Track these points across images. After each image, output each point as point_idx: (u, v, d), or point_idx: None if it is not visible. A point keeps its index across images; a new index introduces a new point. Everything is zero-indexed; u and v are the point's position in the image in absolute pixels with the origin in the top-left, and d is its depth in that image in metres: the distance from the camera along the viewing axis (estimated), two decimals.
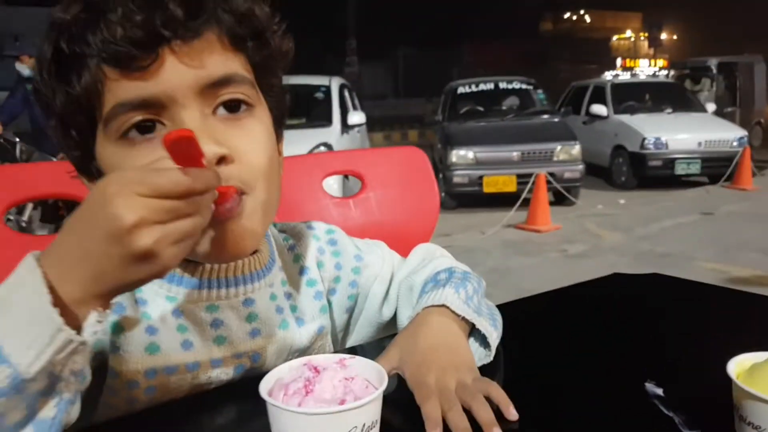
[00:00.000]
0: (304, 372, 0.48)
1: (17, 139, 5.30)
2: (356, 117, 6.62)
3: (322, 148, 5.24)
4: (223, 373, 0.63)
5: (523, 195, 5.91)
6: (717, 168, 7.55)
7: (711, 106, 8.89)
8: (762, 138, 11.96)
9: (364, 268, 0.77)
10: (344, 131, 6.32)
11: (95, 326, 0.43)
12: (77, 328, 0.42)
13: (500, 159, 6.68)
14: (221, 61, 0.55)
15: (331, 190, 1.23)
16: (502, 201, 6.27)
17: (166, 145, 0.43)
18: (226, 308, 0.63)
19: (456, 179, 6.64)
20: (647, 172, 7.71)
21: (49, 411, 0.42)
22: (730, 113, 10.57)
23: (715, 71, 11.94)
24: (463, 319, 0.64)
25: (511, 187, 6.47)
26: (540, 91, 8.04)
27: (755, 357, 0.48)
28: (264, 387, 0.47)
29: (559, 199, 6.64)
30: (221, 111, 0.56)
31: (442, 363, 0.57)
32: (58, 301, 0.41)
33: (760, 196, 7.00)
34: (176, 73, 0.52)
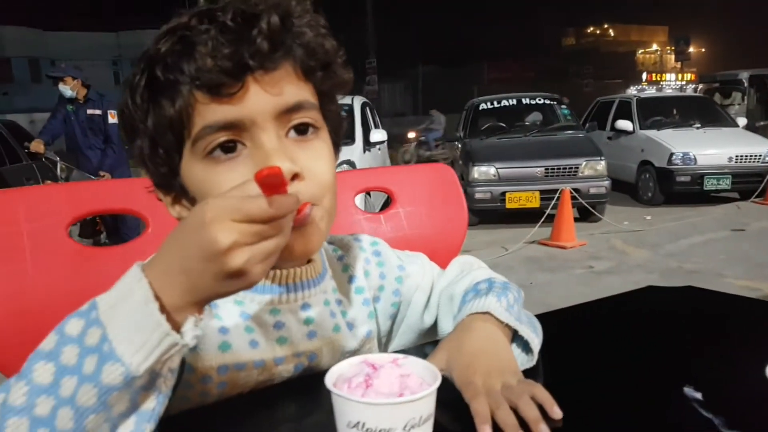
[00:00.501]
0: (364, 368, 0.53)
1: (58, 159, 5.51)
2: (378, 135, 6.72)
3: (345, 166, 5.34)
4: (285, 371, 0.68)
5: (548, 211, 5.88)
6: (748, 184, 7.41)
7: (742, 121, 8.73)
8: None
9: (406, 278, 0.82)
10: (366, 149, 6.42)
11: (194, 330, 0.48)
12: (177, 330, 0.48)
13: (523, 175, 6.65)
14: (295, 89, 0.61)
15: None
16: (525, 217, 6.25)
17: (258, 180, 0.48)
18: (287, 312, 0.68)
19: (478, 195, 6.63)
20: (675, 188, 7.61)
21: (150, 403, 0.48)
22: (762, 127, 10.38)
23: (746, 84, 11.75)
24: (506, 325, 0.68)
25: (534, 203, 6.44)
26: (564, 106, 8.01)
27: None
28: (329, 380, 0.51)
29: (584, 216, 6.59)
30: (292, 133, 0.62)
31: (488, 366, 0.61)
32: (162, 309, 0.46)
33: None
34: (258, 100, 0.59)
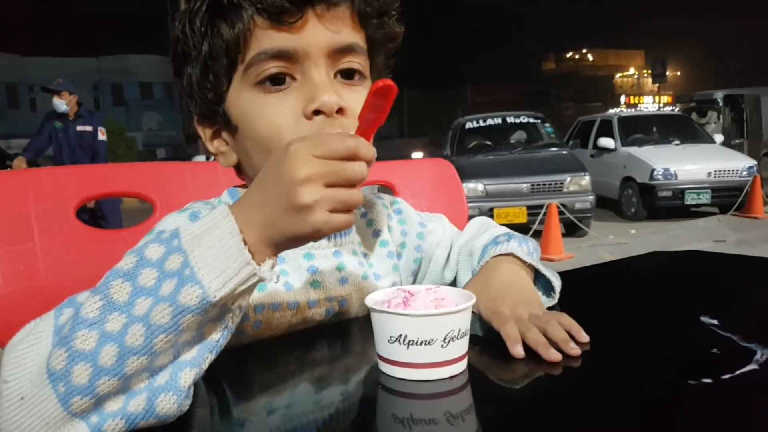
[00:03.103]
0: (400, 293, 0.55)
1: None
2: None
3: None
4: (317, 314, 0.70)
5: (534, 226, 5.94)
6: (727, 197, 7.57)
7: (719, 138, 8.95)
8: None
9: (428, 235, 0.84)
10: None
11: (270, 272, 0.48)
12: None
13: (510, 191, 6.74)
14: (350, 31, 0.64)
15: None
16: None
17: (373, 89, 0.50)
18: (320, 257, 0.71)
19: (468, 212, 6.67)
20: (657, 203, 7.75)
21: (216, 335, 0.48)
22: (738, 145, 10.64)
23: (721, 104, 12.07)
24: (529, 266, 0.70)
25: (521, 218, 6.51)
26: (548, 124, 8.16)
27: None
28: (369, 301, 0.53)
29: (570, 231, 6.67)
30: (339, 77, 0.65)
31: (515, 299, 0.63)
32: (244, 243, 0.47)
33: None
34: (316, 33, 0.61)
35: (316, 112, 0.61)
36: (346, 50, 0.64)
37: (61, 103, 4.97)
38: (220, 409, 0.53)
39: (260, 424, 0.49)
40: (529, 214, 6.43)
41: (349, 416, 0.49)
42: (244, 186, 0.74)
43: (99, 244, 1.00)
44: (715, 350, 0.55)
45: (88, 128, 5.09)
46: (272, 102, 0.62)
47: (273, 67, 0.62)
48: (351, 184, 0.48)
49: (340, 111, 0.62)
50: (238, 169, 0.72)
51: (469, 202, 6.66)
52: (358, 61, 0.66)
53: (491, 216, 6.58)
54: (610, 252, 5.84)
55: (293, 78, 0.63)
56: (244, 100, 0.64)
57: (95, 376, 0.43)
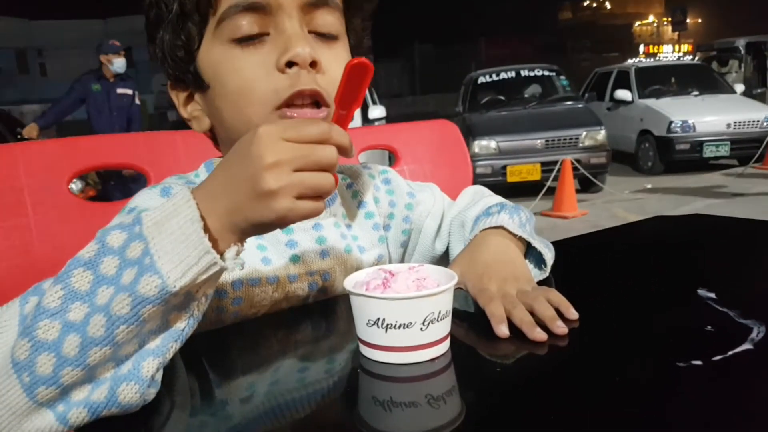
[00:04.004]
0: (381, 274, 0.53)
1: None
2: (377, 111, 6.68)
3: None
4: (299, 289, 0.68)
5: (548, 183, 5.88)
6: (747, 149, 7.40)
7: (740, 87, 8.71)
8: None
9: (417, 205, 0.82)
10: (365, 125, 6.38)
11: (234, 259, 0.47)
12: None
13: (524, 147, 6.64)
14: None
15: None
16: (527, 190, 6.25)
17: (347, 67, 0.48)
18: (299, 230, 0.69)
19: (479, 170, 6.62)
20: (675, 156, 7.61)
21: (180, 324, 0.47)
22: (759, 95, 10.34)
23: (743, 52, 11.67)
24: (520, 239, 0.68)
25: (535, 175, 6.44)
26: (563, 77, 7.97)
27: None
28: (348, 284, 0.52)
29: (585, 187, 6.59)
30: (313, 36, 0.63)
31: (503, 274, 0.61)
32: (206, 230, 0.45)
33: None
34: None
35: (290, 65, 0.59)
36: (320, 3, 0.62)
37: (123, 64, 4.83)
38: (201, 390, 0.53)
39: (241, 405, 0.48)
40: (543, 171, 6.35)
41: (329, 399, 0.49)
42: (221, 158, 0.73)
43: (93, 217, 0.99)
44: (709, 327, 0.53)
45: (129, 91, 4.93)
46: (245, 56, 0.60)
47: (246, 24, 0.60)
48: (320, 169, 0.46)
49: (313, 65, 0.60)
50: (214, 137, 0.70)
51: (481, 160, 6.67)
52: (333, 17, 0.63)
53: (504, 174, 6.51)
54: (625, 208, 5.78)
55: (266, 33, 0.61)
56: (216, 55, 0.62)
57: (59, 366, 0.43)
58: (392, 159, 1.39)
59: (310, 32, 0.62)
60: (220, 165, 0.48)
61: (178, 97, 0.68)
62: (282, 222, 0.47)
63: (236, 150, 0.48)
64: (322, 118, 0.61)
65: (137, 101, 4.99)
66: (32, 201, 0.94)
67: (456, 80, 9.86)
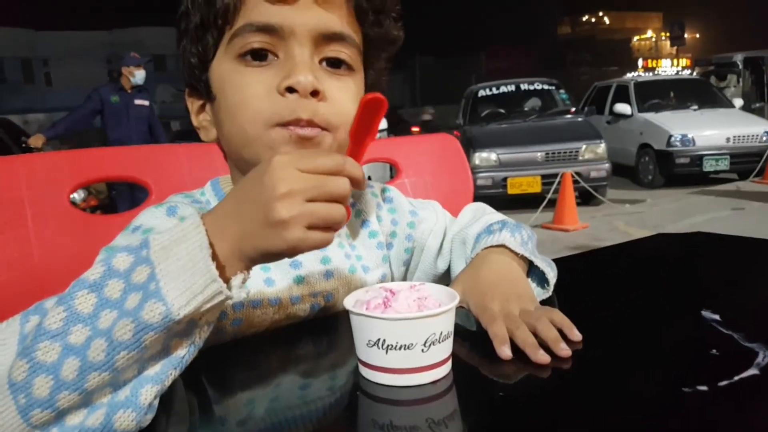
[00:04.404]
0: (382, 293, 0.52)
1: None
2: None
3: None
4: (301, 310, 0.68)
5: (549, 195, 5.87)
6: (747, 164, 7.42)
7: (738, 102, 8.74)
8: None
9: (419, 223, 0.81)
10: None
11: (240, 288, 0.46)
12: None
13: (524, 160, 6.65)
14: (343, 22, 0.63)
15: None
16: (527, 202, 6.24)
17: (363, 101, 0.49)
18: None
19: (480, 182, 6.62)
20: (674, 170, 7.62)
21: (181, 351, 0.46)
22: (758, 109, 10.37)
23: (741, 66, 11.73)
24: (522, 258, 0.68)
25: (535, 188, 6.44)
26: (562, 91, 8.00)
27: None
28: (348, 303, 0.51)
29: (585, 200, 6.59)
30: (326, 64, 0.63)
31: (505, 293, 0.61)
32: (214, 257, 0.45)
33: None
34: (306, 14, 0.60)
35: (290, 90, 0.59)
36: (335, 38, 0.62)
37: (143, 76, 4.89)
38: (199, 406, 0.52)
39: (240, 423, 0.48)
40: (543, 184, 6.36)
41: (328, 420, 0.48)
42: (229, 177, 0.72)
43: (93, 230, 0.99)
44: (714, 351, 0.52)
45: (146, 102, 5.00)
46: (250, 75, 0.61)
47: (257, 40, 0.60)
48: (333, 200, 0.46)
49: (315, 94, 0.60)
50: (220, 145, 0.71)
51: (482, 172, 6.68)
52: (347, 52, 0.63)
53: (504, 186, 6.51)
54: (626, 221, 5.77)
55: (275, 56, 0.61)
56: (224, 69, 0.63)
57: (56, 389, 0.42)
58: (393, 171, 1.39)
59: (321, 61, 0.62)
60: (233, 191, 0.48)
61: (192, 105, 0.69)
62: (292, 252, 0.46)
63: (249, 178, 0.48)
64: (327, 143, 0.61)
65: (154, 111, 5.06)
66: (33, 213, 0.94)
67: (456, 92, 9.90)
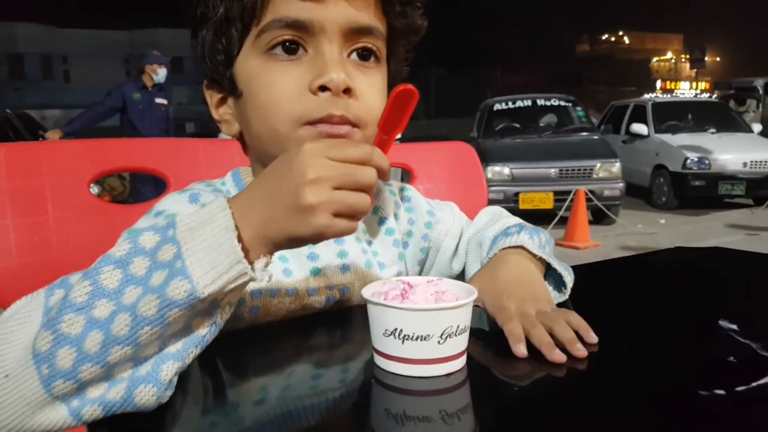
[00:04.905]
0: (399, 285, 0.53)
1: None
2: None
3: None
4: (317, 302, 0.69)
5: (561, 212, 5.85)
6: (763, 190, 7.33)
7: (757, 127, 8.66)
8: None
9: (436, 224, 0.81)
10: None
11: (262, 270, 0.47)
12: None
13: (537, 175, 6.62)
14: (370, 14, 0.63)
15: None
16: (538, 218, 6.22)
17: (394, 92, 0.50)
18: (322, 243, 0.68)
19: (491, 195, 6.59)
20: (689, 193, 7.56)
21: (203, 330, 0.47)
22: None
23: (761, 92, 11.64)
24: (539, 260, 0.68)
25: (548, 204, 6.41)
26: (579, 108, 7.97)
27: None
28: (366, 292, 0.51)
29: (598, 219, 6.55)
30: (354, 56, 0.63)
31: (522, 294, 0.61)
32: (239, 239, 0.45)
33: None
34: (335, 8, 0.60)
35: (322, 89, 0.59)
36: (364, 31, 0.62)
37: (165, 75, 4.93)
38: (214, 389, 0.53)
39: (253, 407, 0.48)
40: (555, 200, 6.32)
41: (341, 408, 0.48)
42: (249, 168, 0.73)
43: (112, 219, 1.00)
44: (731, 358, 0.52)
45: (165, 101, 5.04)
46: (280, 71, 0.61)
47: (286, 35, 0.60)
48: (359, 189, 0.47)
49: (347, 91, 0.60)
50: (243, 140, 0.71)
51: (494, 186, 6.65)
52: (375, 44, 0.64)
53: (516, 201, 6.49)
54: (638, 242, 5.73)
55: (305, 50, 0.61)
56: (251, 65, 0.62)
57: (79, 361, 0.43)
58: (404, 177, 1.39)
59: (349, 54, 0.63)
60: (259, 177, 0.49)
61: (212, 98, 0.69)
62: (318, 238, 0.47)
63: (278, 163, 0.48)
64: (356, 139, 0.62)
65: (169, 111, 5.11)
66: (53, 199, 0.95)
67: (471, 106, 9.90)
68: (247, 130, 0.66)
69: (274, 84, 0.61)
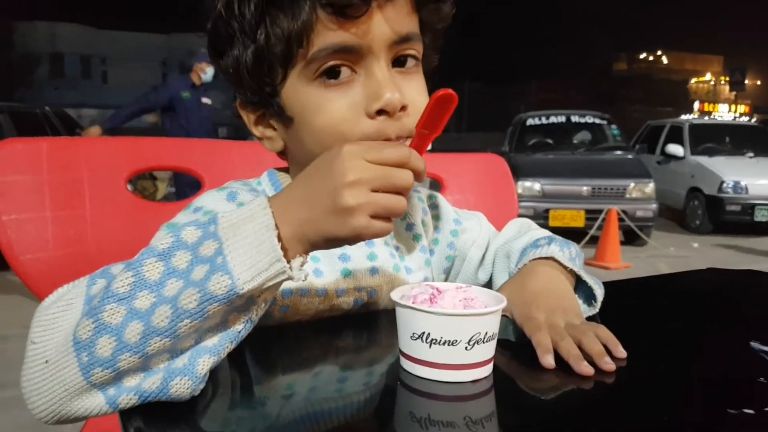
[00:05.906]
0: (428, 290, 0.53)
1: None
2: None
3: None
4: (345, 303, 0.69)
5: (592, 231, 5.76)
6: None
7: None
8: None
9: (462, 232, 0.82)
10: None
11: (299, 269, 0.48)
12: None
13: (568, 193, 6.53)
14: (408, 20, 0.63)
15: None
16: (568, 236, 6.04)
17: (433, 97, 0.50)
18: (353, 245, 0.69)
19: (521, 210, 6.48)
20: (724, 217, 7.37)
21: (238, 326, 0.48)
22: None
23: None
24: (570, 272, 0.67)
25: (578, 222, 6.31)
26: (614, 126, 7.86)
27: None
28: (395, 295, 0.52)
29: (629, 239, 6.43)
30: (395, 66, 0.63)
31: (551, 305, 0.61)
32: (278, 239, 0.47)
33: None
34: (378, 27, 0.59)
35: (380, 112, 0.60)
36: (406, 40, 0.62)
37: (212, 73, 4.88)
38: (242, 385, 0.54)
39: (279, 404, 0.49)
40: (587, 219, 6.22)
41: (366, 410, 0.48)
42: (286, 169, 0.74)
43: (146, 215, 1.02)
44: (762, 379, 0.51)
45: (210, 102, 5.04)
46: (333, 97, 0.60)
47: (335, 66, 0.60)
48: (396, 191, 0.48)
49: (403, 109, 0.60)
50: (283, 152, 0.71)
51: (524, 201, 6.58)
52: (416, 49, 0.64)
53: (546, 218, 6.41)
54: (669, 264, 5.61)
55: (353, 71, 0.61)
56: (302, 94, 0.62)
57: (118, 350, 0.44)
58: (433, 187, 1.39)
59: (392, 62, 0.62)
60: (300, 177, 0.50)
61: (248, 117, 0.68)
62: (355, 239, 0.48)
63: (318, 165, 0.49)
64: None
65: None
66: (90, 194, 0.97)
67: (503, 120, 9.85)
68: (300, 149, 0.66)
69: (331, 111, 0.60)
